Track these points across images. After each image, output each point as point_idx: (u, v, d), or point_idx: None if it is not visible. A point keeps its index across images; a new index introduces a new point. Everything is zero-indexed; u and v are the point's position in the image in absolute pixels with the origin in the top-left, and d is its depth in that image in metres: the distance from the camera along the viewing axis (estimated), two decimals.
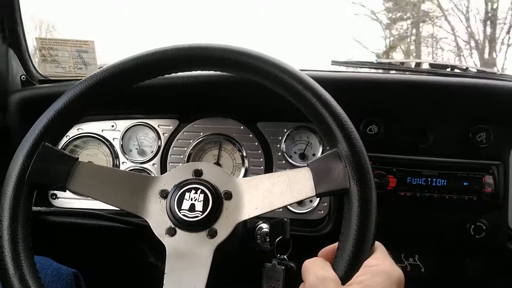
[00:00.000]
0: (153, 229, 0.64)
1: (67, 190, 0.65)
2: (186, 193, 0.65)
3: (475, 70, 1.16)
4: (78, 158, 0.66)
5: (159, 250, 0.63)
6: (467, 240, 0.97)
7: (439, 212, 0.98)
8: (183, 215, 0.63)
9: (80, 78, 0.69)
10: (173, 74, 0.94)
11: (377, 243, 0.58)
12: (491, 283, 1.05)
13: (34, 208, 0.65)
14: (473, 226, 0.96)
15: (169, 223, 0.64)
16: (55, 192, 1.04)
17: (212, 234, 0.63)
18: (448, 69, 1.15)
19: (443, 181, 0.96)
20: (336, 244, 0.59)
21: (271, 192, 0.64)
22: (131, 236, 1.00)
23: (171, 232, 0.63)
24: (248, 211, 0.64)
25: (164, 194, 0.65)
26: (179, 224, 0.63)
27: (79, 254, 1.05)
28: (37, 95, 1.02)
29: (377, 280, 0.51)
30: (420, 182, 0.96)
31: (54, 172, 0.64)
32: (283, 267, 0.81)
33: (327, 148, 0.63)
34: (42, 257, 0.81)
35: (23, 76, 1.08)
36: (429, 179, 0.96)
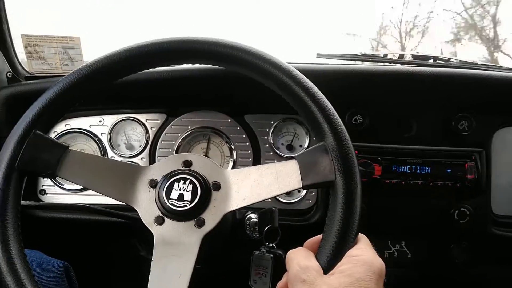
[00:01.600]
0: (141, 218, 0.64)
1: (57, 178, 0.65)
2: (175, 183, 0.66)
3: (457, 61, 1.18)
4: (68, 146, 0.67)
5: (150, 243, 0.64)
6: (451, 225, 1.00)
7: (424, 198, 1.01)
8: (172, 204, 0.64)
9: (66, 75, 0.70)
10: (160, 68, 0.95)
11: (360, 234, 0.60)
12: (477, 267, 1.07)
13: (23, 202, 0.65)
14: (457, 211, 0.98)
15: (158, 212, 0.65)
16: (44, 188, 1.05)
17: (200, 223, 0.64)
18: (431, 60, 1.17)
19: (427, 168, 0.98)
20: (321, 235, 0.60)
21: (259, 183, 0.65)
22: (122, 230, 1.00)
23: (159, 221, 0.64)
24: (236, 201, 0.65)
25: (153, 184, 0.66)
26: (168, 213, 0.64)
27: (70, 248, 1.05)
28: (23, 91, 1.02)
29: (359, 269, 0.52)
30: (404, 170, 0.98)
31: (45, 159, 0.64)
32: (272, 255, 0.82)
33: (314, 139, 0.65)
34: (32, 250, 0.82)
35: (9, 73, 1.07)
36: (414, 166, 0.98)
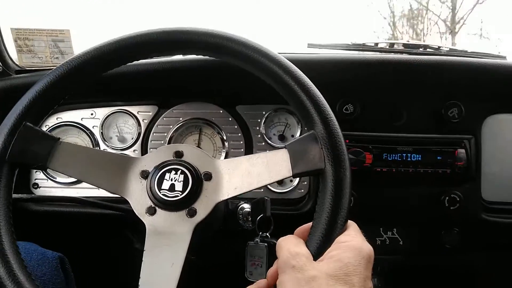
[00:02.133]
0: (133, 208, 0.65)
1: (48, 170, 0.66)
2: (167, 173, 0.66)
3: (447, 49, 1.19)
4: (59, 138, 0.67)
5: (144, 235, 0.64)
6: (442, 212, 1.01)
7: (415, 186, 1.02)
8: (163, 194, 0.64)
9: None
10: (151, 60, 0.95)
11: (350, 221, 0.61)
12: (467, 253, 1.09)
13: (14, 196, 0.65)
14: (447, 198, 0.99)
15: (149, 203, 0.65)
16: (37, 181, 1.05)
17: (192, 213, 0.64)
18: (421, 48, 1.18)
19: (417, 156, 0.99)
20: (311, 223, 0.61)
21: (250, 173, 0.65)
22: (116, 222, 1.01)
23: (151, 211, 0.64)
24: (227, 191, 0.66)
25: (144, 175, 0.67)
26: (159, 203, 0.65)
27: (64, 241, 1.05)
28: (14, 85, 1.02)
29: (347, 255, 0.53)
30: (395, 158, 0.99)
31: (35, 151, 0.64)
32: (266, 244, 0.83)
33: (305, 129, 0.65)
34: (26, 243, 0.82)
35: None
36: (404, 154, 0.99)
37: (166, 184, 0.65)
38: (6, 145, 0.63)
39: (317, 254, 0.56)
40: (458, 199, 0.99)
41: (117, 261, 1.20)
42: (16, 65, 1.12)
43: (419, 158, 0.99)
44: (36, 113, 0.67)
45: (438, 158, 0.99)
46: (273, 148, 1.04)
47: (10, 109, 0.67)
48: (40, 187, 1.05)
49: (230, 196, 0.66)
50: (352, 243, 0.55)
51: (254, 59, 0.68)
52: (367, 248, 0.55)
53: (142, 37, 0.70)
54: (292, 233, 0.64)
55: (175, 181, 0.65)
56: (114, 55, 0.70)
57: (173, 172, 0.66)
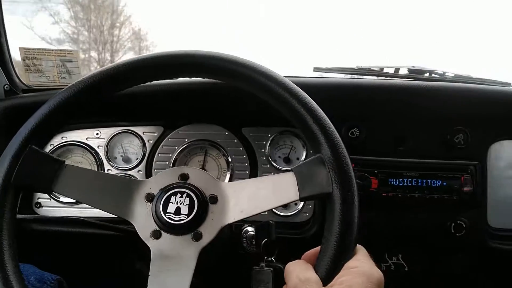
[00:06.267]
0: (138, 232, 0.64)
1: (52, 192, 0.65)
2: (172, 196, 0.65)
3: (452, 75, 1.19)
4: (64, 161, 0.67)
5: (146, 256, 0.63)
6: (448, 238, 1.00)
7: (421, 211, 1.01)
8: (169, 218, 0.63)
9: (63, 87, 0.69)
10: (158, 82, 0.96)
11: (358, 245, 0.60)
12: (473, 280, 1.07)
13: (18, 216, 0.64)
14: (453, 224, 0.98)
15: (155, 226, 0.64)
16: (39, 200, 1.04)
17: (197, 237, 0.63)
18: (426, 74, 1.18)
19: (423, 181, 0.99)
20: (319, 247, 0.60)
21: (256, 196, 0.65)
22: (118, 243, 1.00)
23: (156, 235, 0.63)
24: (233, 214, 0.65)
25: (150, 198, 0.66)
26: (164, 227, 0.64)
27: (65, 261, 1.04)
28: (20, 104, 1.02)
29: (358, 281, 0.52)
30: (401, 183, 0.99)
31: (40, 174, 0.64)
32: (271, 269, 0.81)
33: (311, 152, 0.65)
34: (25, 264, 0.81)
35: (6, 86, 1.08)
36: (410, 179, 0.99)
37: (171, 208, 0.64)
38: (12, 168, 0.62)
39: (326, 280, 0.55)
40: (464, 226, 0.98)
41: (118, 283, 1.18)
42: (23, 84, 1.13)
43: (425, 184, 0.99)
44: (42, 136, 0.67)
45: (444, 184, 0.99)
46: (278, 170, 1.04)
47: (16, 127, 0.67)
48: (42, 206, 1.04)
49: (236, 219, 0.65)
50: (362, 268, 0.54)
51: (261, 82, 0.68)
52: (377, 273, 0.54)
53: (150, 60, 0.70)
54: (297, 256, 0.63)
55: (180, 204, 0.64)
56: (122, 78, 0.70)
57: (179, 195, 0.65)
